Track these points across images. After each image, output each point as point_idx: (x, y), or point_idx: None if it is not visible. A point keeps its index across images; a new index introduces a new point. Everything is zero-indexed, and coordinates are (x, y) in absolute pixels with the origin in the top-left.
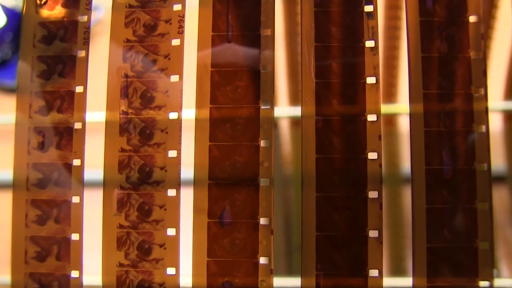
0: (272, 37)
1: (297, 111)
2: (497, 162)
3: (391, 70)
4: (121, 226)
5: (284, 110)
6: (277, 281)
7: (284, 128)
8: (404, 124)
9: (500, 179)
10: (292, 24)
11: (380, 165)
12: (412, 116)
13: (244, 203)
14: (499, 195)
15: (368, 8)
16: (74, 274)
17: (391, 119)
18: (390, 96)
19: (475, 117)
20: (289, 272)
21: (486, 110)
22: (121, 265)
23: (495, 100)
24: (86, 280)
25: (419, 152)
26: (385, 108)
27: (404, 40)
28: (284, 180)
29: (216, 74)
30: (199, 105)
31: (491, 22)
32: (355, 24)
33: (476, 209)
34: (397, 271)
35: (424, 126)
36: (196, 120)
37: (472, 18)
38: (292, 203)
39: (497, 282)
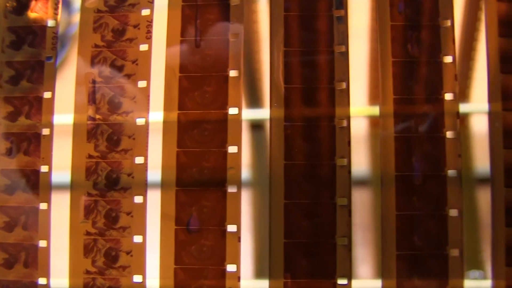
0: (240, 41)
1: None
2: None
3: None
4: (88, 233)
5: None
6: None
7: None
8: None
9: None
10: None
11: (349, 172)
12: (381, 120)
13: (212, 210)
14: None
15: (339, 13)
16: (42, 281)
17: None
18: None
19: (446, 122)
20: None
21: (457, 115)
22: (88, 272)
23: (482, 102)
24: (53, 287)
25: (388, 158)
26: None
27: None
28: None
29: (184, 79)
30: (167, 110)
31: (477, 24)
32: (325, 28)
33: (447, 216)
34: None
35: (394, 131)
36: (164, 125)
37: (444, 23)
38: None
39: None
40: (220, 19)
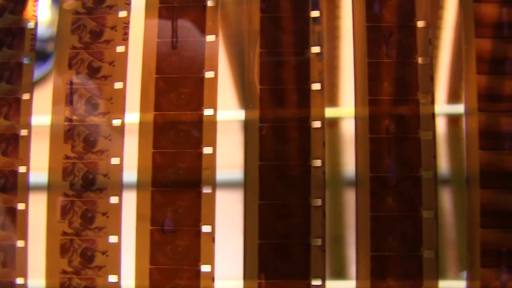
0: (217, 42)
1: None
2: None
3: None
4: (64, 233)
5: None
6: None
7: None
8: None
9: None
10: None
11: (324, 172)
12: (357, 121)
13: (187, 210)
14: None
15: (315, 14)
16: (19, 280)
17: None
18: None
19: (422, 123)
20: None
21: (433, 116)
22: (64, 272)
23: (439, 104)
24: (31, 287)
25: (364, 159)
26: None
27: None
28: None
29: (160, 81)
30: (143, 112)
31: (438, 23)
32: (301, 29)
33: (422, 217)
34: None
35: (370, 133)
36: (140, 126)
37: (420, 23)
38: None
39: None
40: (197, 21)
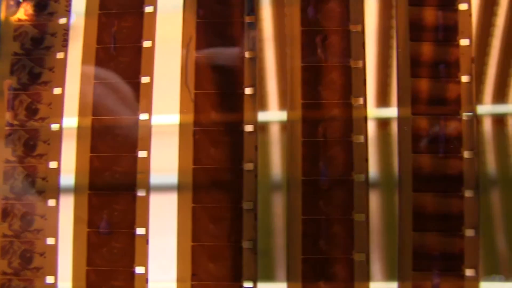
0: (153, 48)
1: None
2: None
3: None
4: (5, 236)
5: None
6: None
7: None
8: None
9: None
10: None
11: (256, 176)
12: (290, 125)
13: (122, 213)
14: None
15: (250, 19)
16: None
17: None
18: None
19: (354, 126)
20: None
21: (365, 120)
22: (4, 273)
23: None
24: None
25: (295, 162)
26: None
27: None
28: None
29: (99, 86)
30: (81, 116)
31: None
32: (237, 35)
33: (353, 220)
34: None
35: (302, 136)
36: (78, 130)
37: (354, 28)
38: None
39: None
40: (134, 27)
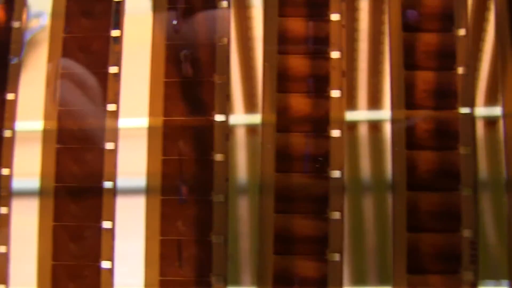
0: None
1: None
2: None
3: None
4: None
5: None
6: None
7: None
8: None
9: None
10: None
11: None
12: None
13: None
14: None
15: (115, 33)
16: None
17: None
18: None
19: (216, 144)
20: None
21: (227, 137)
22: None
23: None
24: None
25: (155, 178)
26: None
27: None
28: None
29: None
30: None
31: None
32: (101, 49)
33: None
34: None
35: (163, 154)
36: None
37: (222, 41)
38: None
39: None
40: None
